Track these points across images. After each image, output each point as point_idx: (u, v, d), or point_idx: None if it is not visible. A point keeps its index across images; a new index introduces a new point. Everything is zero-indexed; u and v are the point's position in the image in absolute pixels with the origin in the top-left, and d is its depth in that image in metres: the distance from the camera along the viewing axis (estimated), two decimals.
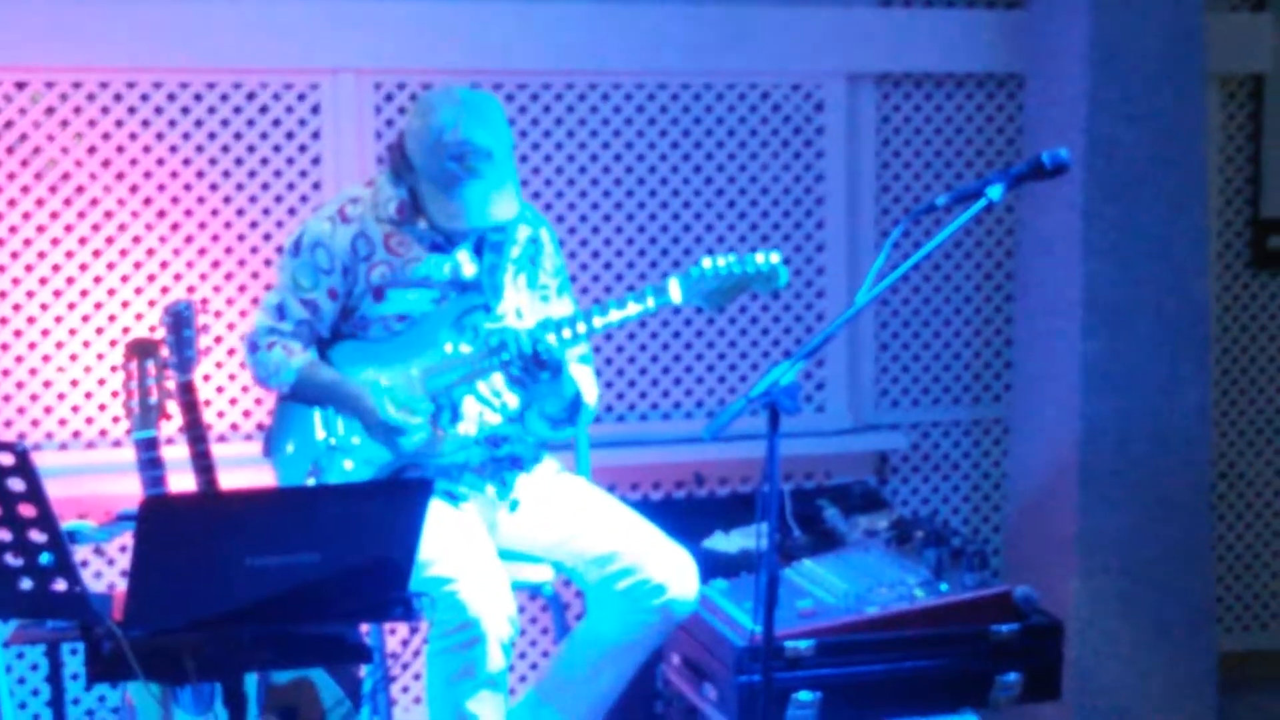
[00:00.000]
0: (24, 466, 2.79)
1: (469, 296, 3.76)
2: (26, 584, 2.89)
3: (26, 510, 2.83)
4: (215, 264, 4.43)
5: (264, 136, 4.45)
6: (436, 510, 3.60)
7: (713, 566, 4.09)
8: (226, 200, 4.43)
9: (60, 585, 2.90)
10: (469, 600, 3.48)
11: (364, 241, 3.71)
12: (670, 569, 3.66)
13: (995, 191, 3.31)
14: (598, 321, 3.64)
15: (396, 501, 3.04)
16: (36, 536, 2.85)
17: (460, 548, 3.58)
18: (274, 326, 3.77)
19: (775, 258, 3.66)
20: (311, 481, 3.73)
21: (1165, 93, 4.71)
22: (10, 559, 2.88)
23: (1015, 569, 4.88)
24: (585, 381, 3.81)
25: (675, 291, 3.66)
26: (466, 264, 3.76)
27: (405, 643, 4.40)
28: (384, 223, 3.72)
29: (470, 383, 3.72)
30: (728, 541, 4.28)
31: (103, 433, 4.38)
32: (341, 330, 3.79)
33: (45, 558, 2.88)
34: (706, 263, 3.66)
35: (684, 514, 4.44)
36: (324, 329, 3.78)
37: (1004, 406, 5.06)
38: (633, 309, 3.65)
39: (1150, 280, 4.73)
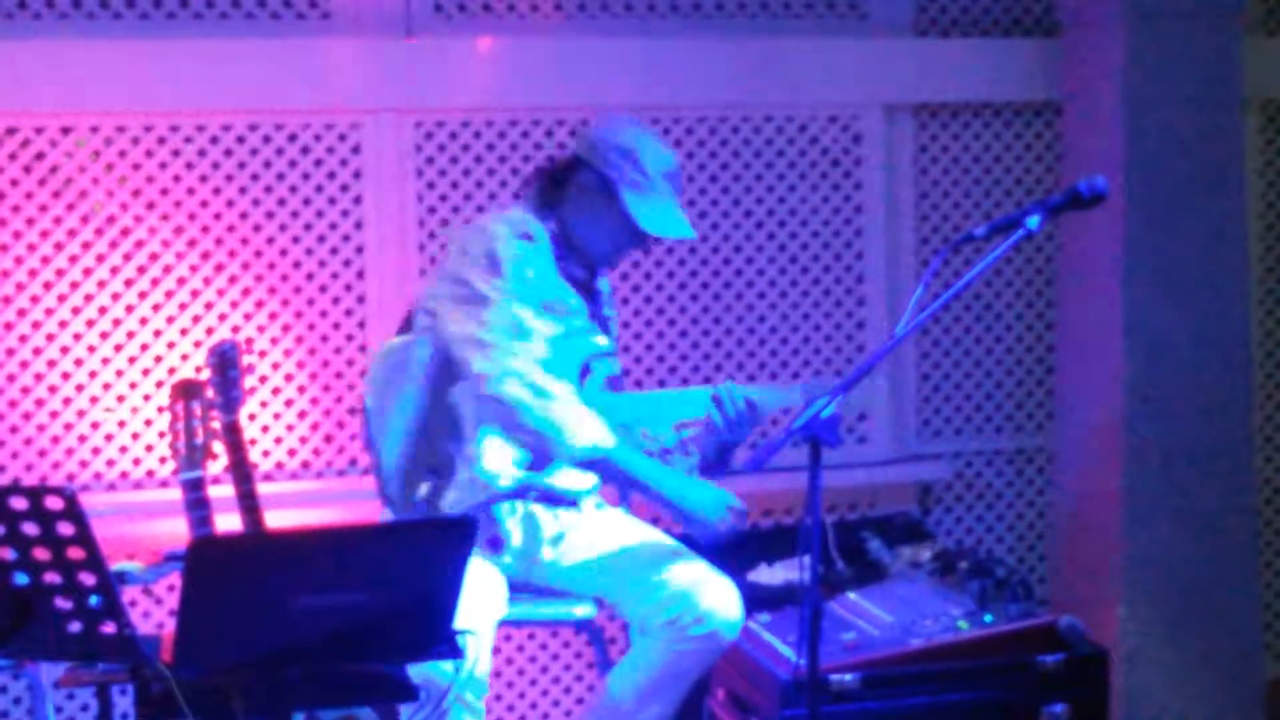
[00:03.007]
0: (72, 510, 2.81)
1: (593, 333, 3.82)
2: (76, 626, 2.91)
3: (75, 553, 2.85)
4: (259, 304, 4.47)
5: (306, 177, 4.49)
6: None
7: (757, 600, 4.09)
8: (270, 241, 4.47)
9: (109, 627, 2.92)
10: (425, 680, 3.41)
11: (538, 269, 3.72)
12: (714, 597, 3.67)
13: (1033, 221, 3.31)
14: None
15: (440, 540, 3.05)
16: (85, 579, 2.87)
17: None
18: (528, 350, 3.62)
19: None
20: (426, 487, 3.71)
21: (1203, 118, 4.71)
22: (60, 602, 2.90)
23: (1061, 598, 4.87)
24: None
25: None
26: (601, 303, 3.85)
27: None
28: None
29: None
30: (771, 574, 4.28)
31: (150, 473, 4.42)
32: None
33: (94, 600, 2.89)
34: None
35: (727, 547, 4.43)
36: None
37: (1047, 435, 5.05)
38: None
39: (1191, 305, 4.73)
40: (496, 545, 3.77)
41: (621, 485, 3.80)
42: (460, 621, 3.37)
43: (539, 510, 3.81)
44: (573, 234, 3.76)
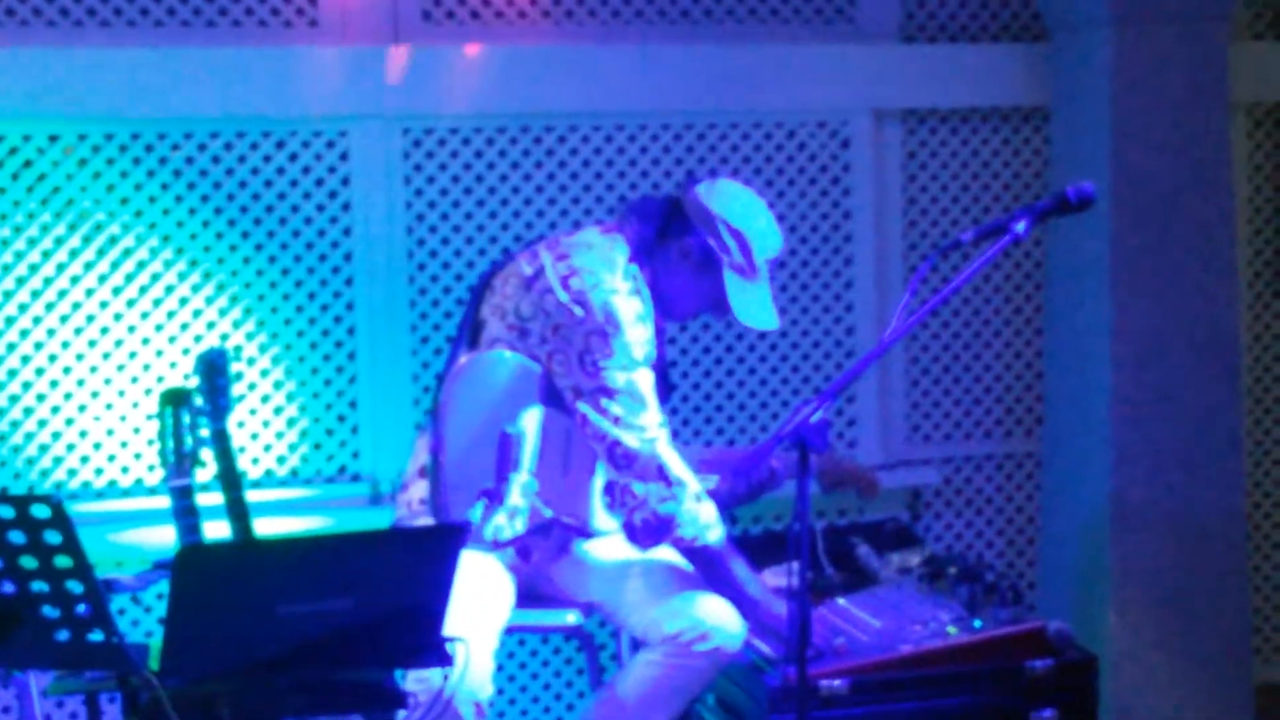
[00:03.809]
0: (59, 518, 2.81)
1: (671, 381, 3.90)
2: (64, 635, 2.91)
3: (62, 561, 2.85)
4: (248, 311, 4.46)
5: (294, 184, 4.49)
6: (467, 569, 3.58)
7: None
8: (258, 248, 4.47)
9: (97, 635, 2.92)
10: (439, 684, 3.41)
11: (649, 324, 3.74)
12: (718, 615, 3.67)
13: (1021, 227, 3.31)
14: None
15: (429, 547, 3.05)
16: (73, 587, 2.87)
17: (462, 621, 3.47)
18: (655, 418, 3.67)
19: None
20: (482, 508, 3.66)
21: (1191, 123, 4.72)
22: (47, 610, 2.90)
23: (1051, 603, 4.87)
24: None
25: None
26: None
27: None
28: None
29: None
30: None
31: (139, 481, 4.41)
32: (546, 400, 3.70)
33: (81, 608, 2.89)
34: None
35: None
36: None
37: (1036, 440, 5.05)
38: None
39: (1180, 310, 4.73)
40: (526, 555, 3.76)
41: (706, 573, 3.76)
42: (464, 624, 3.38)
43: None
44: (661, 286, 3.76)
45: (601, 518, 3.78)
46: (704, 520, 3.68)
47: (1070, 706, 3.88)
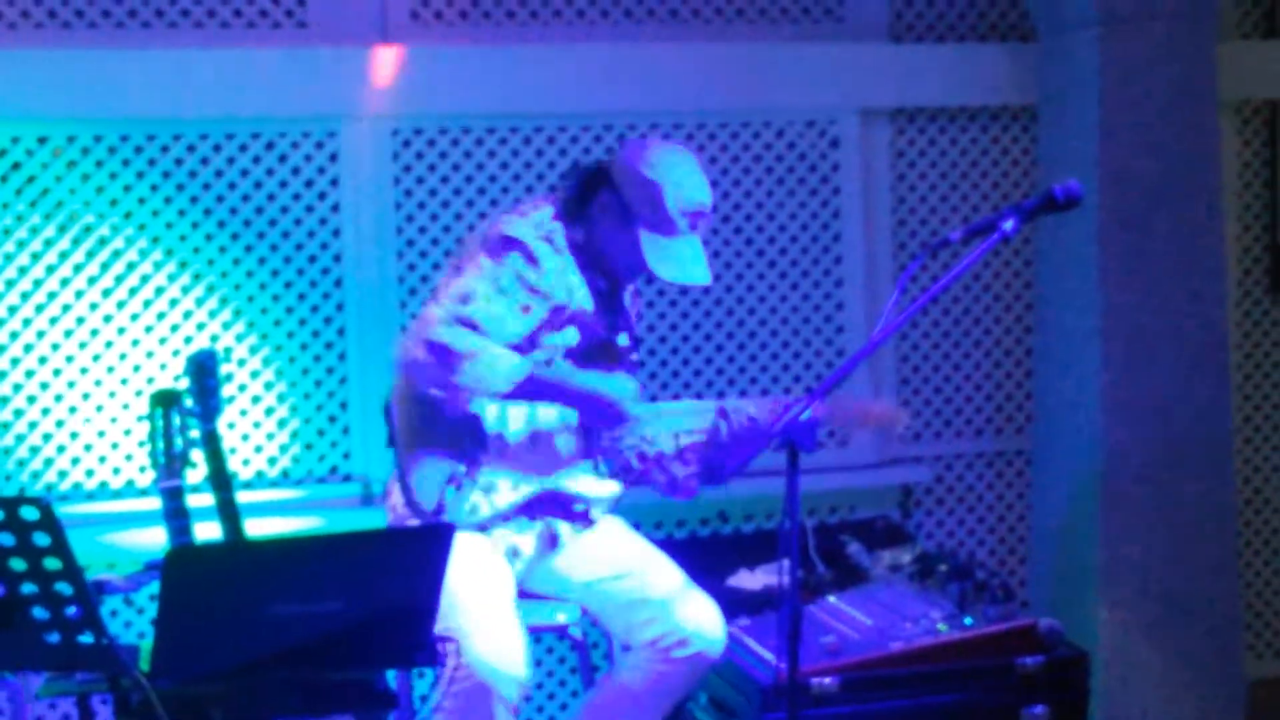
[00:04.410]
0: (48, 520, 2.81)
1: (621, 350, 3.82)
2: (54, 637, 2.91)
3: (52, 563, 2.85)
4: (237, 312, 4.46)
5: (283, 185, 4.49)
6: (474, 560, 3.63)
7: (737, 604, 4.10)
8: (248, 249, 4.47)
9: (87, 637, 2.92)
10: (478, 661, 3.46)
11: (573, 275, 3.70)
12: (698, 620, 3.67)
13: (1008, 225, 3.32)
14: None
15: (419, 548, 3.05)
16: (62, 589, 2.87)
17: (476, 600, 3.56)
18: (460, 315, 3.54)
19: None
20: (452, 490, 3.68)
21: (1179, 121, 4.72)
22: (37, 612, 2.90)
23: (1041, 600, 4.88)
24: None
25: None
26: (625, 320, 3.84)
27: (435, 685, 4.42)
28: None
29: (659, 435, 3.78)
30: (752, 579, 4.29)
31: (130, 483, 4.41)
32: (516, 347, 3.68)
33: (71, 610, 2.89)
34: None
35: (709, 551, 4.44)
36: (507, 339, 3.61)
37: (1026, 438, 5.06)
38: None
39: (1169, 308, 4.74)
40: (554, 542, 3.77)
41: (545, 398, 3.68)
42: (475, 605, 3.38)
43: (563, 526, 3.81)
44: (593, 244, 3.72)
45: (586, 483, 3.77)
46: (498, 357, 3.56)
47: (1061, 703, 3.89)
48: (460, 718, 3.49)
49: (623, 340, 3.84)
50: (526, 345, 3.63)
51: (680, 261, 3.67)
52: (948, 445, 5.04)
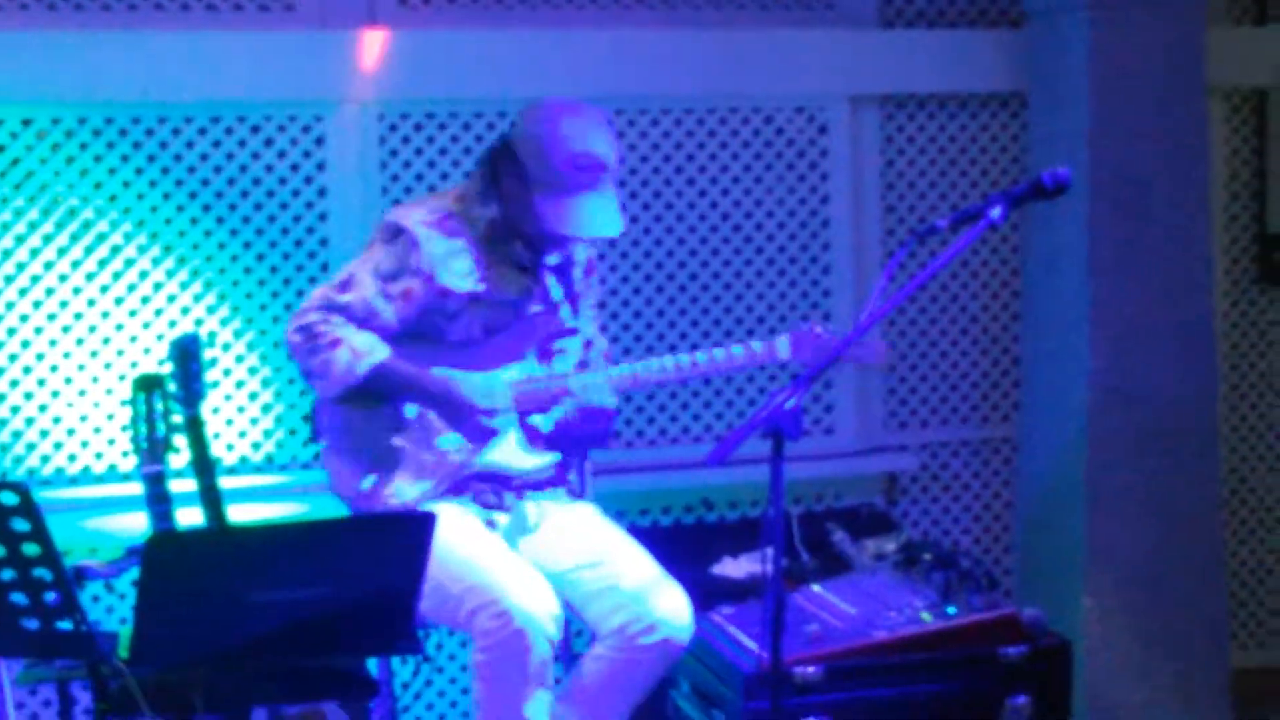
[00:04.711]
0: (27, 505, 2.80)
1: (551, 319, 3.80)
2: (32, 623, 2.90)
3: (30, 549, 2.84)
4: (222, 296, 4.45)
5: (269, 169, 4.47)
6: (470, 524, 3.64)
7: (721, 592, 4.10)
8: (232, 233, 4.45)
9: (66, 624, 2.91)
10: (515, 608, 3.49)
11: (464, 258, 3.70)
12: (664, 604, 3.66)
13: (996, 212, 3.31)
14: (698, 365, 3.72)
15: (401, 535, 3.05)
16: (41, 575, 2.86)
17: (498, 558, 3.61)
18: (333, 301, 3.65)
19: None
20: (371, 479, 3.71)
21: (1168, 108, 4.71)
22: (15, 598, 2.89)
23: (1027, 588, 4.88)
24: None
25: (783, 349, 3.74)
26: (554, 286, 3.81)
27: (416, 673, 4.41)
28: (478, 241, 3.72)
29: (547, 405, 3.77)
30: (736, 567, 4.27)
31: (112, 467, 4.39)
32: (416, 331, 3.74)
33: (50, 596, 2.88)
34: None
35: (693, 539, 4.43)
36: (384, 325, 3.68)
37: (1013, 425, 5.05)
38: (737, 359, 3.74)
39: (1157, 296, 4.73)
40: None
41: (399, 395, 3.73)
42: (488, 559, 3.46)
43: (529, 506, 3.81)
44: (510, 221, 3.72)
45: (519, 456, 3.78)
46: (344, 352, 3.63)
47: (1044, 693, 3.89)
48: (509, 668, 3.50)
49: (565, 315, 3.83)
50: (416, 328, 3.69)
51: (579, 217, 3.63)
52: (934, 433, 5.03)
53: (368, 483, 3.71)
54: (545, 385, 3.72)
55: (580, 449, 3.88)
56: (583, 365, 3.89)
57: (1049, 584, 4.79)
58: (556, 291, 3.82)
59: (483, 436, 3.72)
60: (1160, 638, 4.73)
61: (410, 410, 3.72)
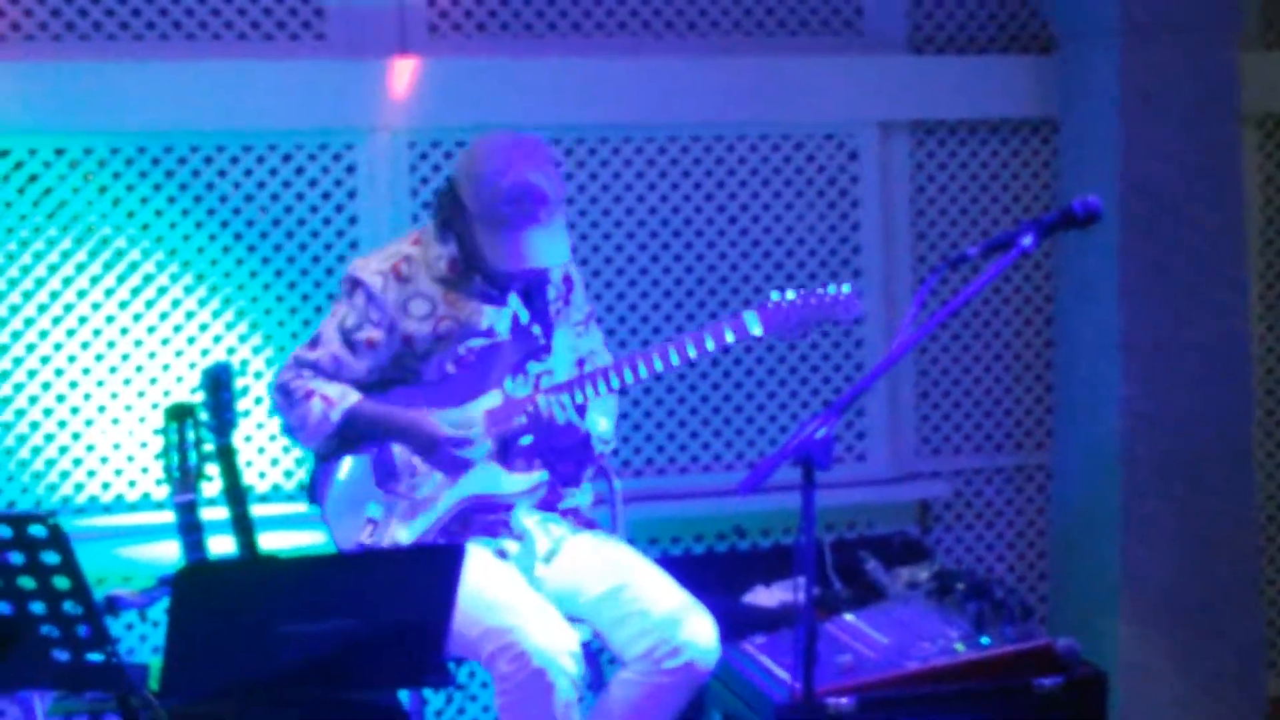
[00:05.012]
0: (56, 539, 2.80)
1: (525, 343, 3.80)
2: (63, 655, 2.90)
3: (60, 582, 2.84)
4: (254, 325, 4.46)
5: (300, 197, 4.48)
6: (481, 561, 3.63)
7: (753, 621, 4.08)
8: (264, 262, 4.46)
9: (96, 656, 2.91)
10: (533, 649, 3.49)
11: (422, 301, 3.73)
12: (690, 631, 3.64)
13: (1027, 241, 3.29)
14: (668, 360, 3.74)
15: (430, 567, 3.03)
16: (71, 608, 2.86)
17: (513, 596, 3.61)
18: (304, 359, 3.75)
19: (846, 289, 3.77)
20: (369, 530, 3.73)
21: (1200, 134, 4.70)
22: (46, 631, 2.89)
23: (1061, 617, 4.85)
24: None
25: (755, 325, 3.74)
26: (521, 310, 3.80)
27: (449, 701, 4.40)
28: (438, 281, 3.74)
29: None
30: (769, 595, 4.26)
31: (145, 496, 4.40)
32: (392, 376, 3.79)
33: (81, 629, 2.88)
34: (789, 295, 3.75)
35: (725, 568, 4.42)
36: (355, 375, 3.76)
37: (1046, 452, 5.02)
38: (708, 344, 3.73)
39: (1190, 321, 4.71)
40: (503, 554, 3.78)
41: (371, 437, 3.77)
42: (512, 620, 3.45)
43: (532, 525, 3.80)
44: (467, 254, 3.74)
45: (501, 480, 3.79)
46: (312, 411, 3.70)
47: None
48: (532, 709, 3.49)
49: (536, 332, 3.82)
50: (393, 372, 3.77)
51: (519, 251, 3.63)
52: (967, 460, 5.01)
53: (364, 534, 3.72)
54: (514, 409, 3.74)
55: (565, 469, 3.86)
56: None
57: (1083, 612, 4.76)
58: (524, 314, 3.81)
59: (457, 468, 3.74)
60: (1195, 665, 4.70)
61: (397, 455, 3.74)
